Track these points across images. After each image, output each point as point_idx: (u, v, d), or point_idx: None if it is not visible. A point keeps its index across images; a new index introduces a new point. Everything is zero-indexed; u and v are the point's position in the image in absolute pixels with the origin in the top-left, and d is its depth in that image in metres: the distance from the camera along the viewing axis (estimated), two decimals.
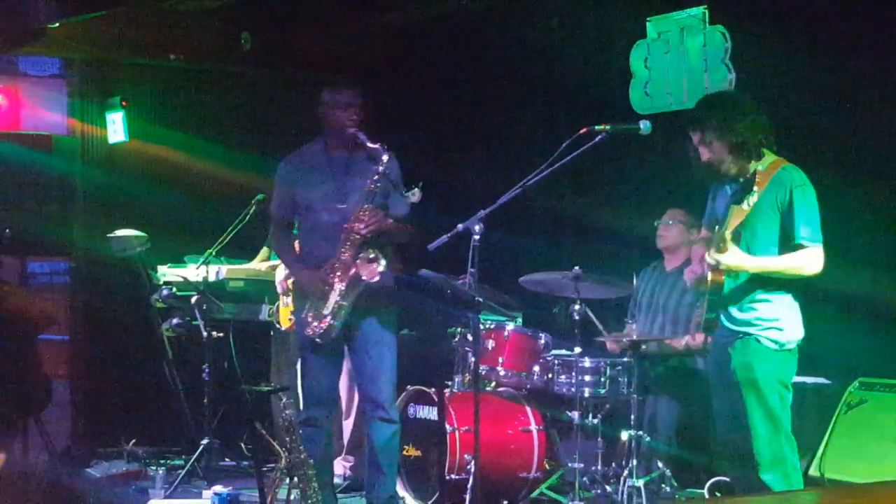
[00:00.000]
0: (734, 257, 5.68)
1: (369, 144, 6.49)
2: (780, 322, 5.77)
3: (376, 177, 6.46)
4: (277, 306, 8.27)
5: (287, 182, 6.72)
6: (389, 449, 6.66)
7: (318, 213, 6.58)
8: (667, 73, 8.13)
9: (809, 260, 5.72)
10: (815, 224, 5.72)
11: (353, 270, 6.41)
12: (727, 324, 5.83)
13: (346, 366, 7.77)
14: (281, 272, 8.12)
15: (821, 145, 7.15)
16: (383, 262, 6.38)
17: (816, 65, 7.25)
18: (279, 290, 8.16)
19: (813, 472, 6.71)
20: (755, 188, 5.60)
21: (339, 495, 7.61)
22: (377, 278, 6.38)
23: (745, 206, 5.63)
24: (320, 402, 6.72)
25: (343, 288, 6.43)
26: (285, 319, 8.14)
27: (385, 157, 6.46)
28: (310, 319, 6.50)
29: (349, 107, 6.57)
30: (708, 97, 6.20)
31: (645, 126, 5.99)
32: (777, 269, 5.75)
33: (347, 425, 7.95)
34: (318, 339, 6.49)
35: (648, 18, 8.22)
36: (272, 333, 8.38)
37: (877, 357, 6.95)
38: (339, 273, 6.45)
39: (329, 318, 6.45)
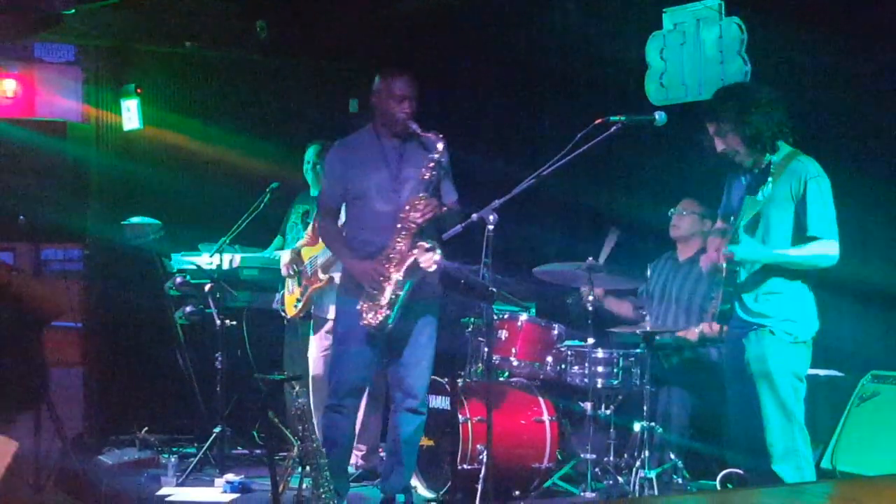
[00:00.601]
0: (747, 249, 5.69)
1: (422, 133, 6.42)
2: (794, 315, 5.78)
3: (432, 164, 6.41)
4: (283, 294, 8.24)
5: (339, 170, 6.62)
6: (413, 441, 6.67)
7: (373, 202, 6.51)
8: (682, 65, 8.10)
9: (823, 251, 5.73)
10: (829, 216, 5.73)
11: (410, 260, 6.33)
12: (742, 315, 5.84)
13: None
14: (286, 257, 8.08)
15: (837, 137, 7.13)
16: (440, 251, 6.29)
17: (832, 57, 7.22)
18: (283, 272, 8.12)
19: (825, 464, 6.71)
20: (770, 179, 5.60)
21: (351, 484, 7.63)
22: (434, 267, 6.28)
23: (759, 196, 5.64)
24: (353, 392, 6.66)
25: (401, 278, 6.34)
26: (290, 307, 8.11)
27: (440, 146, 6.41)
28: (365, 310, 6.41)
29: (404, 99, 6.48)
30: (724, 89, 6.20)
31: (660, 117, 5.99)
32: (790, 261, 5.76)
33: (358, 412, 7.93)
34: (373, 331, 6.42)
35: (664, 9, 8.20)
36: (285, 322, 8.38)
37: (890, 350, 6.94)
38: (395, 263, 6.38)
39: (386, 308, 6.37)
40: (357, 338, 6.51)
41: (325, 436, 6.60)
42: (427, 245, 6.30)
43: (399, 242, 6.38)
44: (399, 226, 6.40)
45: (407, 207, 6.40)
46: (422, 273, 6.32)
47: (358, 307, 6.45)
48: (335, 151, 6.72)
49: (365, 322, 6.41)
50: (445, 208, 6.49)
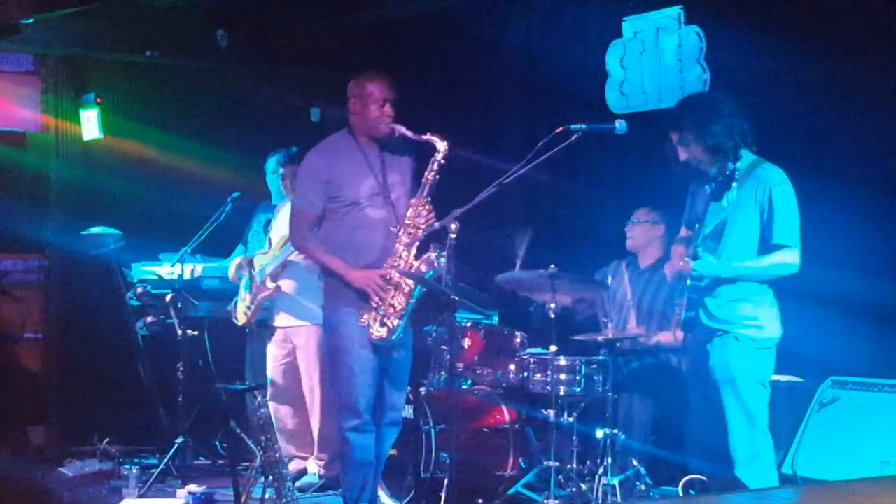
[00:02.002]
0: (706, 266, 5.74)
1: (414, 136, 6.28)
2: (759, 321, 5.83)
3: (436, 166, 6.22)
4: (235, 302, 8.16)
5: (323, 177, 6.35)
6: (387, 453, 6.56)
7: (365, 209, 6.30)
8: (642, 73, 8.14)
9: (783, 261, 5.78)
10: (793, 224, 5.79)
11: (420, 267, 6.07)
12: (706, 321, 5.88)
13: (301, 359, 7.78)
14: (233, 267, 8.04)
15: (795, 144, 7.18)
16: (443, 259, 5.96)
17: (791, 64, 7.28)
18: (230, 277, 8.07)
19: (786, 469, 6.75)
20: (735, 185, 5.65)
21: (313, 494, 7.63)
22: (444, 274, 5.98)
23: (724, 203, 5.68)
24: (368, 408, 6.31)
25: (412, 285, 6.12)
26: (241, 314, 8.05)
27: (442, 146, 6.21)
28: (371, 322, 6.17)
29: (385, 102, 6.36)
30: (687, 98, 6.24)
31: (620, 125, 6.01)
32: (750, 273, 5.81)
33: (314, 423, 7.91)
34: (381, 343, 6.18)
35: (624, 18, 8.24)
36: (247, 330, 8.36)
37: (849, 355, 6.98)
38: (401, 270, 6.16)
39: (394, 318, 6.16)
40: (363, 349, 6.23)
41: (356, 459, 6.32)
42: (434, 253, 6.03)
43: (403, 249, 6.19)
44: (402, 232, 6.22)
45: (411, 212, 6.23)
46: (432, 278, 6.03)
47: (361, 319, 6.20)
48: (316, 157, 6.45)
49: (375, 335, 6.15)
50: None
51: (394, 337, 6.17)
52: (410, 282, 6.11)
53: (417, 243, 6.20)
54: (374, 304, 6.18)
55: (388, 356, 6.32)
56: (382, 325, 6.17)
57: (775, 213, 5.78)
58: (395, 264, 6.17)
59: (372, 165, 6.36)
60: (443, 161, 6.23)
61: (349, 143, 6.43)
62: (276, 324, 7.86)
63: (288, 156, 8.04)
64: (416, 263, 6.13)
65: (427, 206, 6.23)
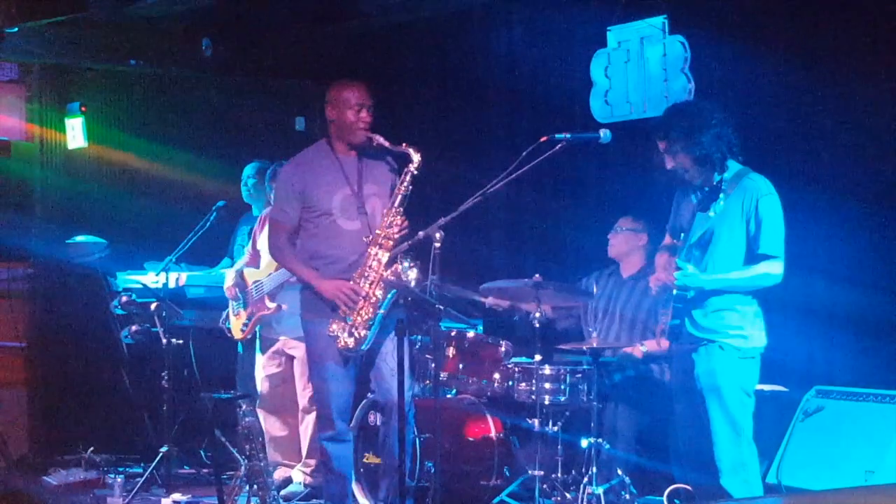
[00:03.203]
0: (690, 278, 5.75)
1: (393, 147, 6.29)
2: (744, 330, 5.84)
3: (408, 177, 6.24)
4: (227, 314, 8.14)
5: (297, 187, 6.36)
6: (411, 435, 6.52)
7: (337, 219, 6.32)
8: (627, 83, 8.16)
9: (766, 272, 5.80)
10: (779, 235, 5.81)
11: (389, 278, 6.11)
12: (692, 330, 5.88)
13: (298, 369, 7.77)
14: (229, 279, 8.01)
15: (779, 154, 7.20)
16: (416, 269, 6.08)
17: (775, 74, 7.31)
18: (228, 295, 8.06)
19: (770, 478, 6.76)
20: (721, 196, 5.66)
21: (298, 503, 7.62)
22: (414, 283, 6.08)
23: (711, 213, 5.69)
24: (343, 415, 6.40)
25: (380, 296, 6.17)
26: (237, 331, 8.03)
27: (416, 157, 6.23)
28: (339, 331, 6.19)
29: (361, 108, 6.36)
30: (675, 107, 6.23)
31: (605, 135, 6.03)
32: (734, 284, 5.82)
33: (303, 431, 7.91)
34: (349, 353, 6.21)
35: (609, 28, 8.25)
36: (239, 343, 8.33)
37: (833, 365, 7.01)
38: (371, 280, 6.18)
39: (362, 328, 6.18)
40: (334, 360, 6.28)
41: (333, 468, 6.41)
42: (405, 263, 6.08)
43: (373, 259, 6.21)
44: (372, 241, 6.24)
45: (383, 222, 6.25)
46: (402, 288, 6.06)
47: (330, 329, 6.24)
48: (291, 169, 6.49)
49: (341, 344, 6.18)
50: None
51: (363, 347, 6.20)
52: (379, 292, 6.14)
53: (388, 253, 6.20)
54: (342, 314, 6.20)
55: (376, 365, 6.33)
56: (350, 335, 6.20)
57: (762, 223, 5.79)
58: (365, 275, 6.19)
59: (347, 175, 6.37)
60: (416, 172, 6.25)
61: (326, 153, 6.44)
62: (273, 336, 7.85)
63: (264, 166, 8.08)
64: (385, 273, 6.15)
65: (399, 217, 6.25)
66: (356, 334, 6.19)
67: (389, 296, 6.16)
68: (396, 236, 6.21)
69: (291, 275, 7.22)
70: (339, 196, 6.34)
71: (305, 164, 6.48)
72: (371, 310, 6.19)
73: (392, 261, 6.17)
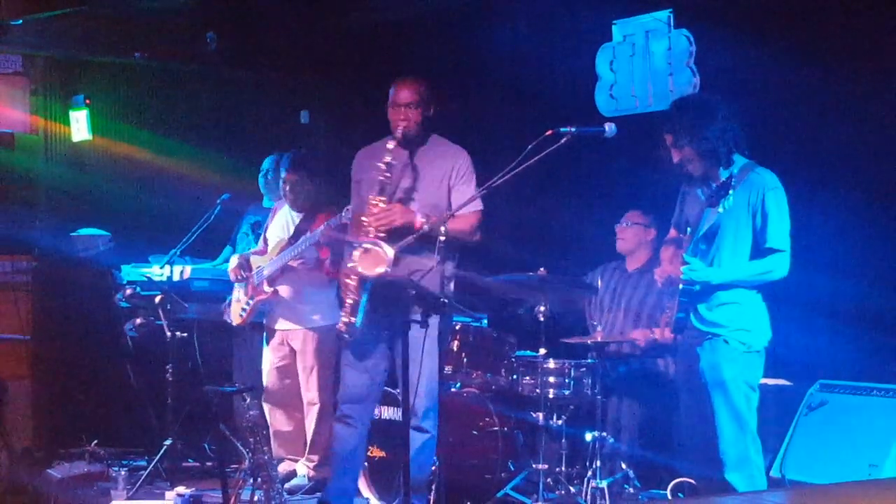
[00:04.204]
0: (697, 273, 5.75)
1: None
2: (748, 324, 5.84)
3: (383, 167, 6.27)
4: (229, 302, 8.18)
5: (355, 176, 6.61)
6: (417, 461, 6.33)
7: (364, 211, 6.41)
8: (632, 76, 8.16)
9: (776, 265, 5.80)
10: (785, 229, 5.81)
11: (354, 265, 6.12)
12: (697, 324, 5.88)
13: (300, 362, 7.77)
14: (234, 261, 8.01)
15: (783, 148, 7.20)
16: (384, 254, 5.97)
17: (780, 68, 7.30)
18: (231, 277, 8.06)
19: (774, 472, 6.76)
20: (731, 192, 5.64)
21: (303, 496, 7.62)
22: (377, 272, 6.00)
23: (720, 209, 5.67)
24: (353, 399, 6.49)
25: (355, 284, 6.23)
26: (236, 315, 8.04)
27: (390, 145, 6.31)
28: (342, 315, 6.32)
29: (398, 106, 6.41)
30: (682, 100, 6.22)
31: (610, 129, 6.02)
32: (743, 278, 5.82)
33: (308, 424, 7.91)
34: (345, 336, 6.31)
35: (614, 22, 8.26)
36: (239, 332, 8.34)
37: (837, 359, 7.00)
38: (344, 270, 6.34)
39: (349, 314, 6.26)
40: (349, 348, 6.44)
41: (336, 448, 6.52)
42: (365, 247, 6.03)
43: (355, 248, 6.19)
44: (353, 231, 6.36)
45: (367, 210, 6.30)
46: (372, 279, 6.08)
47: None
48: (356, 157, 6.70)
49: (340, 326, 6.31)
50: (419, 218, 6.28)
51: (354, 333, 6.28)
52: (350, 280, 6.22)
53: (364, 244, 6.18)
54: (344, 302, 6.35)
55: (362, 350, 6.41)
56: (343, 318, 6.31)
57: (768, 217, 5.78)
58: (348, 263, 6.26)
59: (390, 168, 6.34)
60: (393, 162, 6.28)
61: (383, 146, 6.42)
62: (274, 327, 7.85)
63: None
64: (354, 263, 6.14)
65: (379, 206, 6.27)
66: (346, 319, 6.28)
67: (362, 284, 6.20)
68: (374, 225, 6.24)
69: (290, 259, 7.29)
70: (375, 188, 6.39)
71: (366, 154, 6.64)
72: (351, 296, 6.25)
73: (415, 251, 6.12)
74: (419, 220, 6.26)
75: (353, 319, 6.26)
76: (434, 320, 6.04)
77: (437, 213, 6.26)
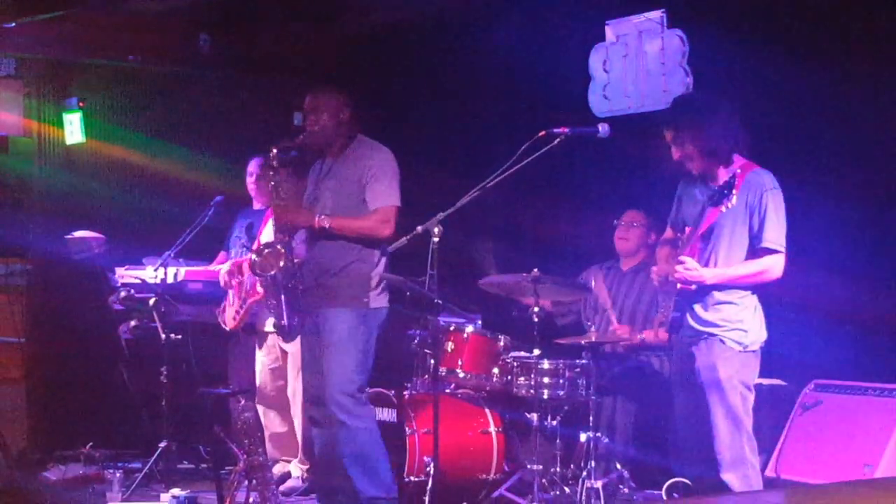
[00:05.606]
0: (694, 272, 5.74)
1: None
2: (744, 324, 5.83)
3: (270, 172, 6.58)
4: (224, 306, 8.20)
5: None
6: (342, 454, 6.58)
7: None
8: (625, 77, 8.16)
9: (771, 265, 5.79)
10: (782, 230, 5.80)
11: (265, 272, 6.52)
12: (692, 323, 5.88)
13: (290, 364, 7.78)
14: (225, 274, 8.04)
15: (777, 149, 7.19)
16: (280, 249, 6.41)
17: (774, 68, 7.31)
18: (221, 283, 8.08)
19: (769, 472, 6.76)
20: (734, 192, 5.63)
21: (297, 498, 7.63)
22: (270, 272, 6.42)
23: (723, 208, 5.67)
24: (312, 401, 6.66)
25: (263, 291, 6.67)
26: (230, 319, 8.05)
27: (273, 151, 6.58)
28: (269, 323, 6.60)
29: (307, 112, 6.65)
30: (685, 97, 6.24)
31: (603, 129, 6.03)
32: (737, 278, 5.81)
33: (298, 426, 7.90)
34: (288, 337, 6.67)
35: (607, 22, 8.25)
36: (232, 336, 8.34)
37: (832, 359, 7.00)
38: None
39: (277, 319, 6.54)
40: (302, 347, 6.66)
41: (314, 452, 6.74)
42: (265, 249, 6.48)
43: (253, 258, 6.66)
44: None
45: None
46: (270, 278, 6.45)
47: None
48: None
49: (272, 333, 6.76)
50: (300, 215, 6.58)
51: (285, 334, 6.60)
52: (261, 288, 6.75)
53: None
54: None
55: (310, 347, 6.60)
56: (275, 325, 6.72)
57: (766, 218, 5.78)
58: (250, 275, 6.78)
59: (315, 175, 6.73)
60: (275, 163, 6.55)
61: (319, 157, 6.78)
62: (265, 329, 7.85)
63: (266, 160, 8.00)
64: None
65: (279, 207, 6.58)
66: (276, 323, 6.62)
67: (268, 285, 6.57)
68: (276, 224, 6.60)
69: None
70: (307, 194, 6.74)
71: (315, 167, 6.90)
72: (271, 301, 6.58)
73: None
74: (317, 219, 6.47)
75: (283, 322, 6.46)
76: (351, 313, 6.39)
77: (352, 213, 6.48)
